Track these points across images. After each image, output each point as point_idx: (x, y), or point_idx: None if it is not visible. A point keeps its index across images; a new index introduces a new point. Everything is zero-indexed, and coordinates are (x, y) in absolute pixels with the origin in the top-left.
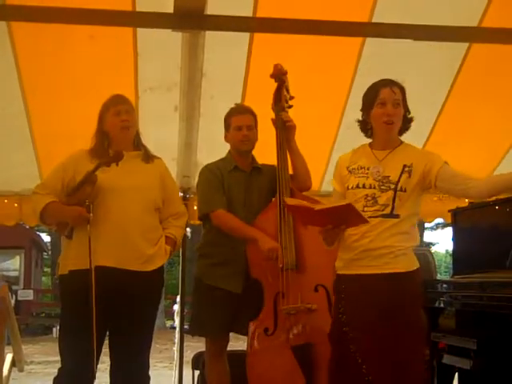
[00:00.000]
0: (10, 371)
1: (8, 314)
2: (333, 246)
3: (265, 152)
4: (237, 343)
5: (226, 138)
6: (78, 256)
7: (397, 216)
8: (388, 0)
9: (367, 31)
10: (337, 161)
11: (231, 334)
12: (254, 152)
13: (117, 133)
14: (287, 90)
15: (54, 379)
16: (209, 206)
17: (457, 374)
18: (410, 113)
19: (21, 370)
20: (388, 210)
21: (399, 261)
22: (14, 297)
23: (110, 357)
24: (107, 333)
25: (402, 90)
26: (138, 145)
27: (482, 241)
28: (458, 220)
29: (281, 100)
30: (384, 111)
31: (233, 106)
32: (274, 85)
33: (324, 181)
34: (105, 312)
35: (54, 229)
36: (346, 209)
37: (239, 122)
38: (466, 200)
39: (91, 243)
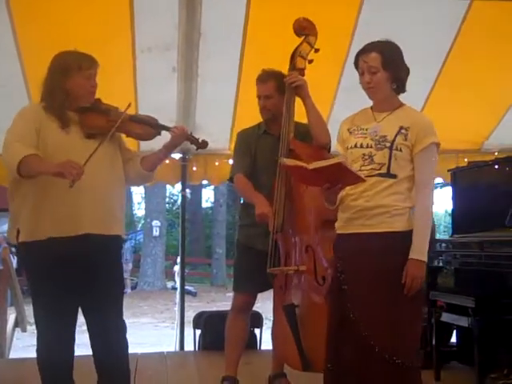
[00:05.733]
0: (13, 331)
1: (10, 275)
2: (335, 205)
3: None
4: None
5: None
6: (57, 221)
7: (394, 176)
8: None
9: None
10: (340, 124)
11: None
12: None
13: (83, 94)
14: (310, 44)
15: (37, 351)
16: (232, 172)
17: (455, 331)
18: (402, 71)
19: (24, 330)
20: (384, 169)
21: (395, 220)
22: (15, 258)
23: (85, 317)
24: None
25: (382, 53)
26: None
27: (481, 200)
28: (458, 180)
29: (294, 58)
30: (362, 80)
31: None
32: (272, 43)
33: None
34: (80, 279)
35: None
36: (337, 167)
37: (258, 91)
38: (466, 159)
39: (72, 208)
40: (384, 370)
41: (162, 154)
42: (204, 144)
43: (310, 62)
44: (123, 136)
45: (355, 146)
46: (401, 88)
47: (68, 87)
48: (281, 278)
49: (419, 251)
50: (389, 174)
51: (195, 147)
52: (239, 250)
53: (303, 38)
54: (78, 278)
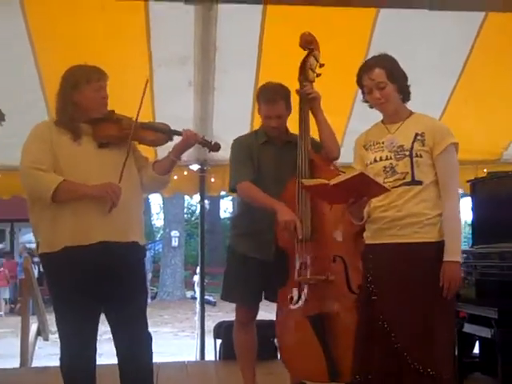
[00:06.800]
0: (35, 340)
1: (32, 285)
2: (362, 221)
3: (290, 122)
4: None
5: (259, 112)
6: (75, 231)
7: (419, 182)
8: None
9: (381, 1)
10: (354, 142)
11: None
12: None
13: (93, 107)
14: (316, 59)
15: (60, 359)
16: (235, 180)
17: (478, 342)
18: (404, 80)
19: (46, 339)
20: (409, 178)
21: (427, 231)
22: (37, 268)
23: (111, 326)
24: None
25: (385, 67)
26: None
27: (501, 211)
28: (477, 190)
29: (305, 70)
30: (372, 97)
31: (265, 83)
32: (288, 56)
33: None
34: (101, 287)
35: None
36: (360, 178)
37: (269, 112)
38: (485, 170)
39: (90, 217)
40: (417, 381)
41: (173, 155)
42: (216, 146)
43: (318, 75)
44: (136, 144)
45: (374, 160)
46: (406, 96)
47: (77, 100)
48: (292, 289)
49: (453, 253)
50: (414, 182)
51: (208, 150)
52: (235, 259)
53: (309, 51)
54: (99, 286)
